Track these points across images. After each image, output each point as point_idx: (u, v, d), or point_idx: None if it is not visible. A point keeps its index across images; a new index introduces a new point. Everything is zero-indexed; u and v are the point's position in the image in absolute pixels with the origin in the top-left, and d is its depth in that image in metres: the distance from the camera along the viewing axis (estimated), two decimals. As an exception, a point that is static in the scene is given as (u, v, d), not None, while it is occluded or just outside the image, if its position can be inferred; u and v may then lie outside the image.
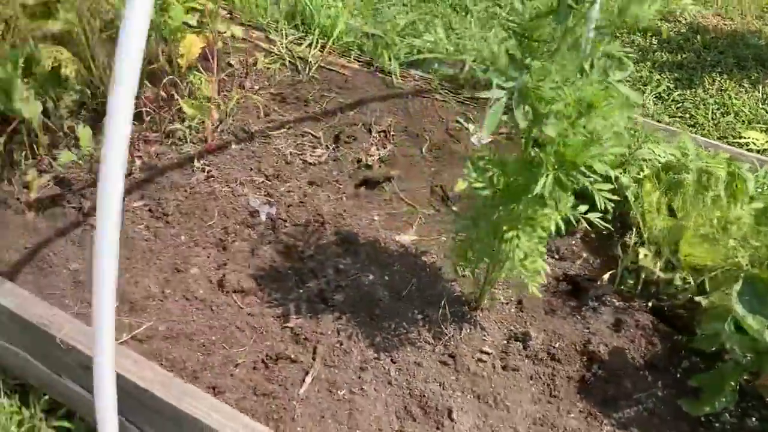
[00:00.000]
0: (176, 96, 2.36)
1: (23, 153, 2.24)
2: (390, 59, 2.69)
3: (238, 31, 2.33)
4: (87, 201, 2.18)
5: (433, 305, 1.89)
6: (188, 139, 2.40)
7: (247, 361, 1.75)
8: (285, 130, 2.50)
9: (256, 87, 2.66)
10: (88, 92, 2.34)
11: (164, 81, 2.31)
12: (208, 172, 2.31)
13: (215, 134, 2.43)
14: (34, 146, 2.26)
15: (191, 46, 2.27)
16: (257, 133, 2.48)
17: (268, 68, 2.72)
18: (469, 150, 2.41)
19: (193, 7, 2.12)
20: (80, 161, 2.18)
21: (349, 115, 2.55)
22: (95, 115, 2.39)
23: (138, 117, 2.38)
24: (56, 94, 2.19)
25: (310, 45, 2.80)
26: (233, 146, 2.43)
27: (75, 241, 2.08)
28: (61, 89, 2.17)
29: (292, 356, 1.75)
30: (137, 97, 2.29)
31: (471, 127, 2.46)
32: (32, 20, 2.11)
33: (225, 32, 2.29)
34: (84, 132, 2.11)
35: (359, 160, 2.38)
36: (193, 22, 2.08)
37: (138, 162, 2.31)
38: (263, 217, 2.19)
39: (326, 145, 2.46)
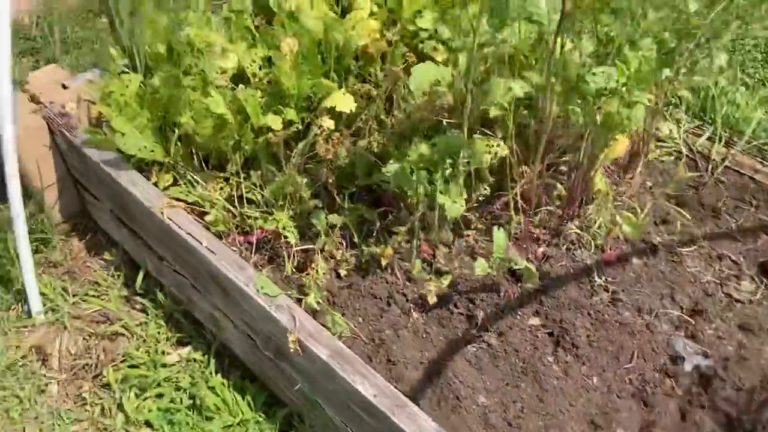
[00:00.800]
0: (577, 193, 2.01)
1: (409, 240, 1.99)
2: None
3: (675, 129, 1.92)
4: (479, 310, 1.88)
5: None
6: (582, 244, 2.04)
7: None
8: (695, 247, 2.06)
9: (649, 184, 2.24)
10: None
11: (573, 176, 1.97)
12: (612, 293, 1.93)
13: (611, 241, 2.05)
14: (418, 233, 2.00)
15: (619, 143, 1.90)
16: (661, 246, 2.06)
17: (662, 161, 2.30)
18: None
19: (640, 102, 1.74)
20: (490, 269, 1.88)
21: (776, 239, 2.07)
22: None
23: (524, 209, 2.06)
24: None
25: (711, 138, 2.34)
26: (634, 260, 2.03)
27: (471, 362, 1.79)
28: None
29: None
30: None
31: None
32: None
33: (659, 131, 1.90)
34: (499, 236, 1.80)
35: (802, 307, 1.89)
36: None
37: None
38: (689, 368, 1.77)
39: (752, 277, 1.99)
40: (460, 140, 1.71)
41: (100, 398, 1.88)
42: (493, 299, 1.93)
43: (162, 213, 1.84)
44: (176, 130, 2.04)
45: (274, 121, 2.07)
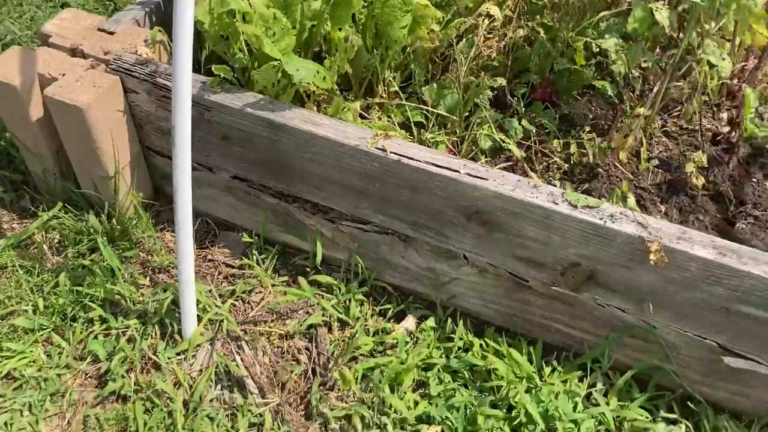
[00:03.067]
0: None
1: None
2: None
3: None
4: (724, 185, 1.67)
5: None
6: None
7: None
8: None
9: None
10: None
11: None
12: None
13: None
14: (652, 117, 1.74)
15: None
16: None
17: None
18: None
19: None
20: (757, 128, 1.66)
21: None
22: None
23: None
24: None
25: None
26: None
27: (744, 239, 1.58)
28: None
29: None
30: None
31: None
32: None
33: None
34: (749, 95, 1.59)
35: None
36: None
37: None
38: None
39: None
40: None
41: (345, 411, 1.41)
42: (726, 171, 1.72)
43: (384, 148, 1.38)
44: (333, 47, 1.56)
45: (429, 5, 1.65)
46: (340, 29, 1.54)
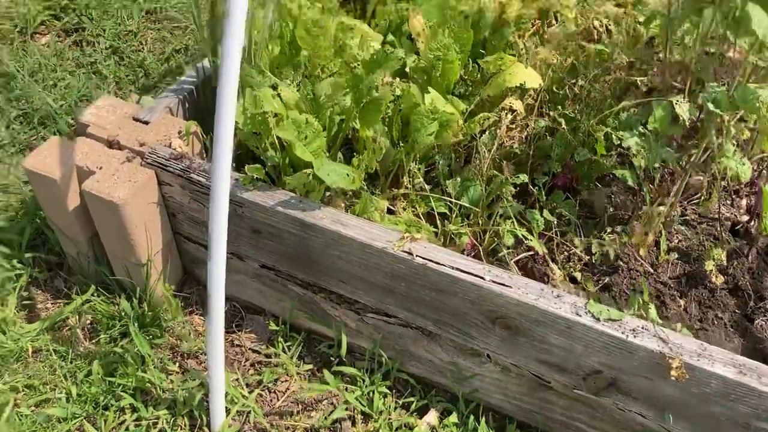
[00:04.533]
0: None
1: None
2: None
3: None
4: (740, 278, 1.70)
5: None
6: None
7: None
8: None
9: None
10: None
11: None
12: None
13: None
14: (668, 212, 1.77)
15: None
16: None
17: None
18: None
19: None
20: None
21: None
22: None
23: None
24: None
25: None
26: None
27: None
28: None
29: None
30: None
31: None
32: None
33: None
34: (769, 194, 1.62)
35: None
36: None
37: None
38: None
39: None
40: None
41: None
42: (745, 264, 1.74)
43: (410, 251, 1.42)
44: (362, 144, 1.61)
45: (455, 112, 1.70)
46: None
